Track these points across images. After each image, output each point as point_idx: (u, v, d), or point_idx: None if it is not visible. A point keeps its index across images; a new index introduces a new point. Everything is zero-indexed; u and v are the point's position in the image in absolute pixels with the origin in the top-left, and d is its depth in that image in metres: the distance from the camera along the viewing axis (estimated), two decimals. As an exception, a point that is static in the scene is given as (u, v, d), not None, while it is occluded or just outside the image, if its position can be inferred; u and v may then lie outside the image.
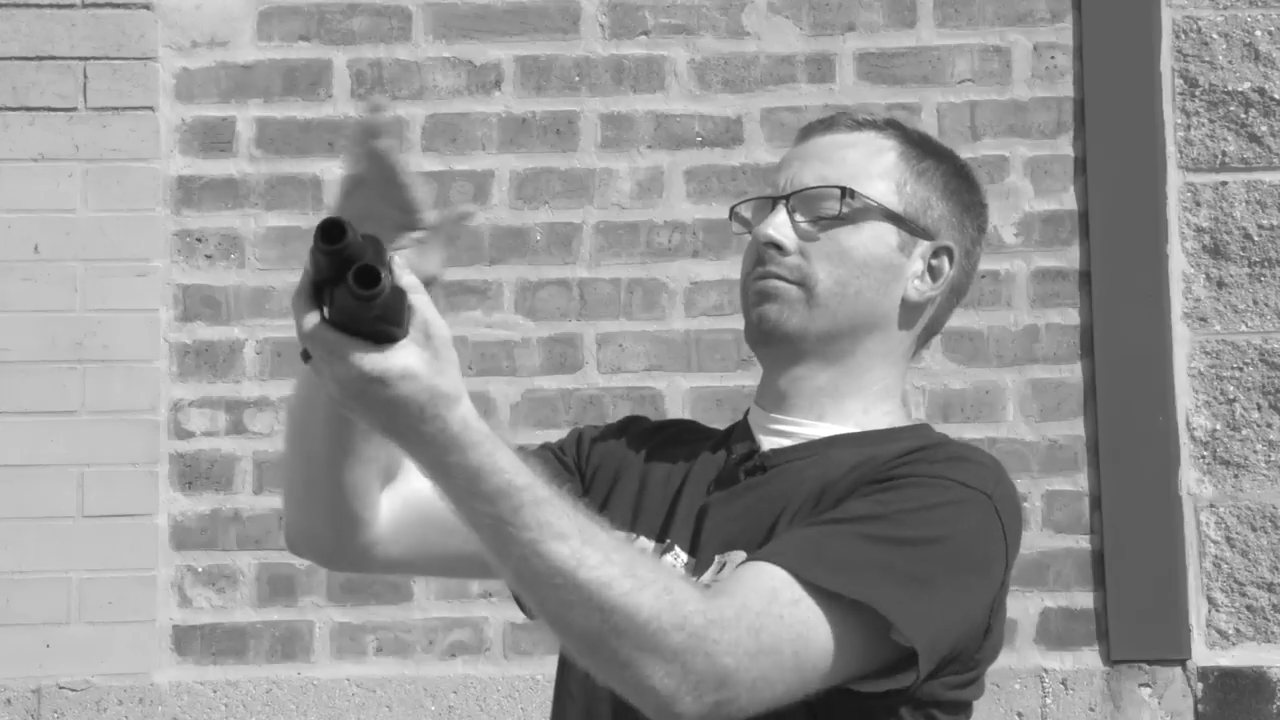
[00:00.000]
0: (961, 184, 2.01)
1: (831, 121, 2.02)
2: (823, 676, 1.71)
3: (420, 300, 1.59)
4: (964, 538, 1.78)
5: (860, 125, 2.00)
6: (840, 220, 1.93)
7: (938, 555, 1.76)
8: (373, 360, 1.55)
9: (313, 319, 1.56)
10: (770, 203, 1.97)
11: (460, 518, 1.63)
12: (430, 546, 2.00)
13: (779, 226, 1.94)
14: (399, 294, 1.57)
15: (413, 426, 1.58)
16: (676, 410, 4.00)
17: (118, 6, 4.07)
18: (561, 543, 1.60)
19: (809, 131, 2.03)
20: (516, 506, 1.60)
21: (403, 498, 1.98)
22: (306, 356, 1.61)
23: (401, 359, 1.56)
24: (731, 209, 2.05)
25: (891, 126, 2.01)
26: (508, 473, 1.60)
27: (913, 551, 1.75)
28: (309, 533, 1.99)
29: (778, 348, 1.94)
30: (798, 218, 1.94)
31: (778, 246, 1.93)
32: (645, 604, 1.61)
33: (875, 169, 1.96)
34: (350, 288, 1.52)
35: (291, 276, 4.06)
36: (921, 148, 2.00)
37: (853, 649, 1.71)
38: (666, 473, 1.99)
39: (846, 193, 1.93)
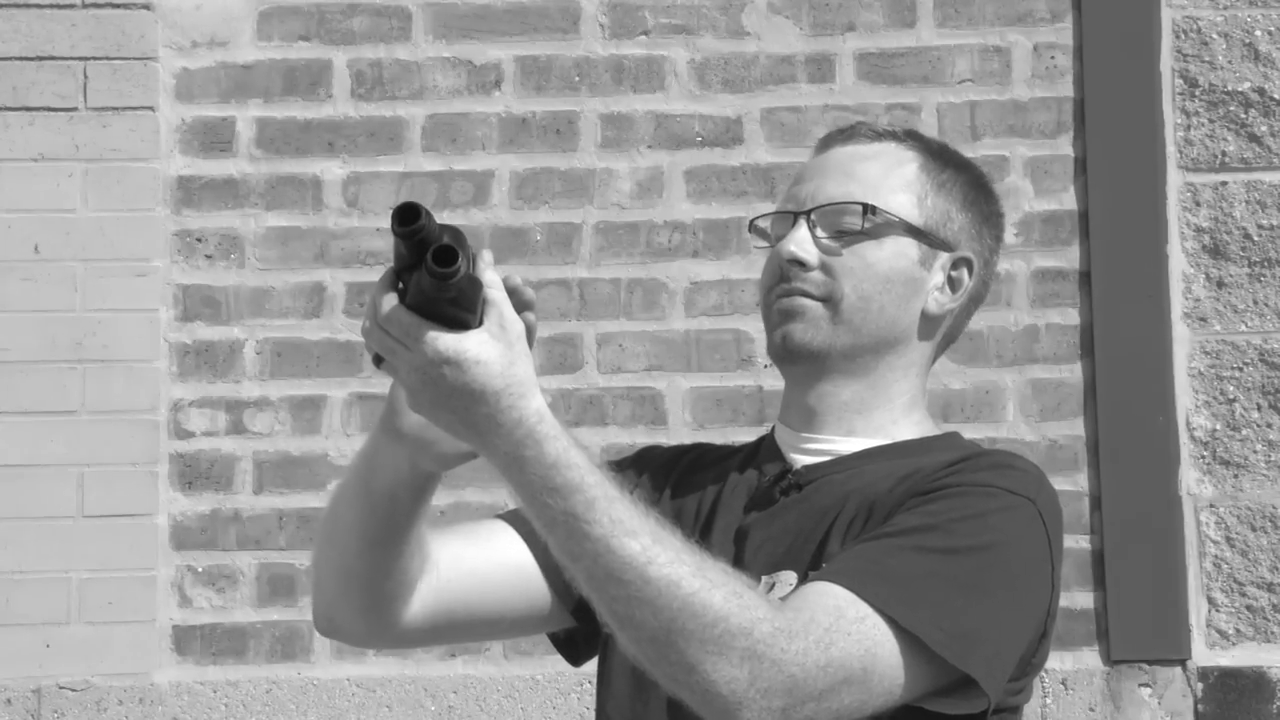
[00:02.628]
0: (980, 194, 2.01)
1: (851, 132, 2.01)
2: (892, 693, 1.71)
3: (498, 296, 1.61)
4: (1014, 544, 1.80)
5: (880, 136, 2.00)
6: (863, 235, 1.93)
7: (991, 562, 1.77)
8: (446, 341, 1.58)
9: (390, 300, 1.59)
10: (791, 217, 1.96)
11: (531, 515, 1.64)
12: (459, 623, 1.99)
13: (800, 243, 1.93)
14: (476, 284, 1.59)
15: (490, 416, 1.59)
16: (676, 410, 4.00)
17: (118, 6, 4.07)
18: (633, 539, 1.61)
19: (828, 142, 2.03)
20: (590, 501, 1.61)
21: (430, 586, 1.95)
22: (378, 361, 1.63)
23: (475, 343, 1.58)
24: (751, 223, 2.04)
25: (911, 138, 2.01)
26: (582, 468, 1.61)
27: (966, 560, 1.75)
28: (339, 625, 1.97)
29: (803, 365, 1.93)
30: (819, 233, 1.93)
31: (800, 263, 1.92)
32: (714, 605, 1.61)
33: (896, 182, 1.96)
34: (428, 266, 1.54)
35: (292, 276, 4.06)
36: (941, 159, 2.00)
37: (921, 668, 1.72)
38: (696, 501, 1.98)
39: (868, 209, 1.92)
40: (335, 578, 1.92)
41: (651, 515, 1.64)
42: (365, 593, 1.90)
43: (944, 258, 1.97)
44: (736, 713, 1.62)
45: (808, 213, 1.94)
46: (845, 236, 1.93)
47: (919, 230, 1.95)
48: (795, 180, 2.00)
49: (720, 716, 1.63)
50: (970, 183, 2.01)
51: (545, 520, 1.63)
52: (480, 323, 1.60)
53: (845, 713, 1.68)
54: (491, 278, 1.61)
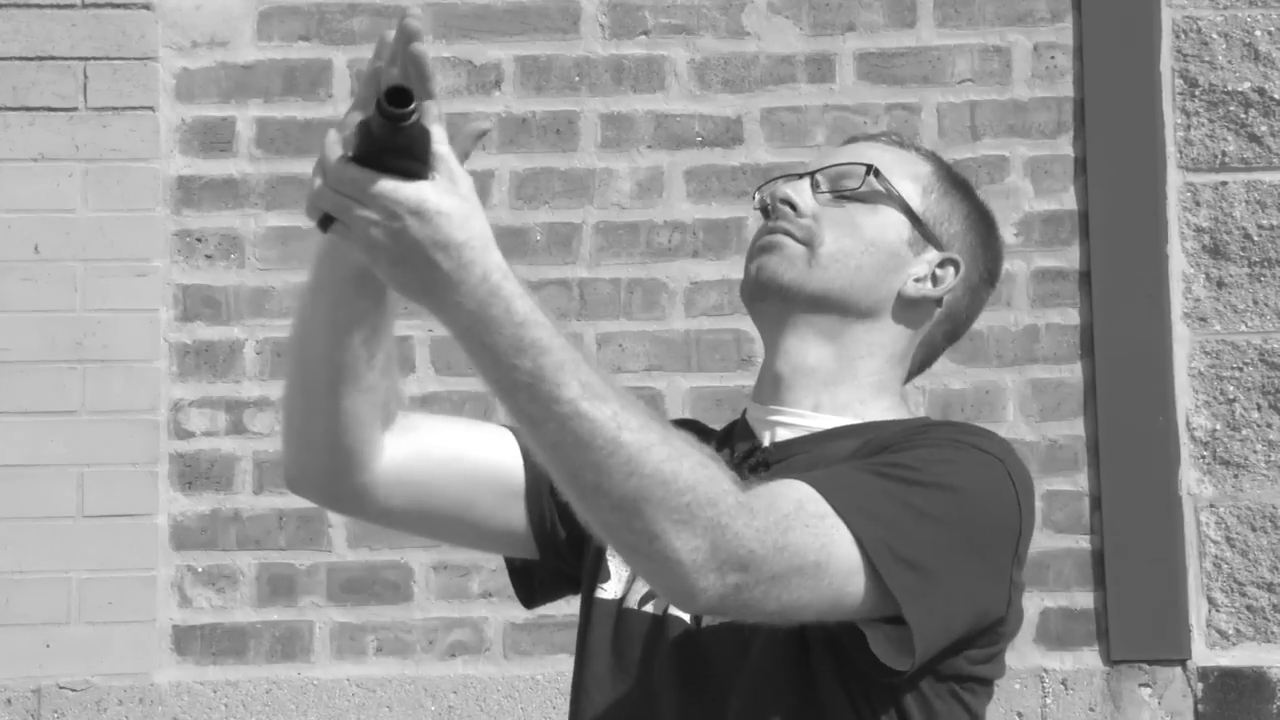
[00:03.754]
0: (984, 224, 2.04)
1: (876, 135, 2.07)
2: (839, 598, 1.70)
3: (444, 150, 1.54)
4: (979, 493, 1.80)
5: (904, 145, 2.04)
6: (859, 197, 1.95)
7: (954, 503, 1.77)
8: (406, 191, 1.51)
9: (335, 152, 1.52)
10: (796, 177, 2.01)
11: (492, 380, 1.58)
12: (430, 502, 1.96)
13: (798, 189, 1.97)
14: (426, 134, 1.51)
15: (454, 272, 1.53)
16: (676, 410, 4.00)
17: (118, 6, 4.07)
18: (603, 404, 1.57)
19: (852, 139, 2.08)
20: (560, 363, 1.56)
21: (410, 448, 1.94)
22: (325, 224, 1.53)
23: (434, 193, 1.52)
24: (757, 189, 2.06)
25: (935, 157, 2.04)
26: (549, 328, 1.57)
27: (928, 492, 1.75)
28: (307, 468, 1.94)
29: (770, 303, 1.95)
30: (820, 189, 1.97)
31: (791, 205, 1.96)
32: (682, 474, 1.60)
33: (906, 170, 1.99)
34: (381, 107, 1.46)
35: (292, 276, 4.06)
36: (953, 179, 2.03)
37: (869, 585, 1.71)
38: None
39: (871, 170, 1.95)
40: (302, 400, 1.89)
41: (614, 381, 1.61)
42: (330, 411, 1.85)
43: (933, 253, 1.98)
44: (694, 580, 1.61)
45: (812, 173, 1.98)
46: (842, 195, 1.96)
47: (915, 214, 1.97)
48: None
49: (676, 585, 1.62)
50: (977, 210, 2.04)
51: (508, 384, 1.57)
52: (431, 175, 1.52)
53: (792, 604, 1.67)
54: (439, 131, 1.54)
